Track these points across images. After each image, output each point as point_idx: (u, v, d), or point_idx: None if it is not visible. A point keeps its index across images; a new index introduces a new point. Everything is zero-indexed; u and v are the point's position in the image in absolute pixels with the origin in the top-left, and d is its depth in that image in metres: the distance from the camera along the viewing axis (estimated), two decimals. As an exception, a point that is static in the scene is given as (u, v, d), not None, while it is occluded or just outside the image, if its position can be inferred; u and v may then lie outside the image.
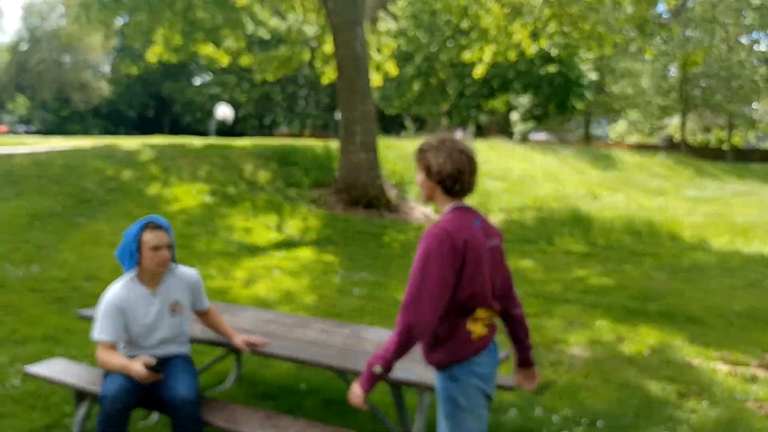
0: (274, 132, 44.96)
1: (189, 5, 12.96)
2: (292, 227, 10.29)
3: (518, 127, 36.27)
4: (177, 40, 13.35)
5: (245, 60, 15.62)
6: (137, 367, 3.01)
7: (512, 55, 17.40)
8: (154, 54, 14.54)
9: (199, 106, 42.71)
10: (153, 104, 46.54)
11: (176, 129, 43.43)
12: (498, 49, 16.71)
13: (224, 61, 15.66)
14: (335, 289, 7.19)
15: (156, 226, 3.26)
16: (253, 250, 8.70)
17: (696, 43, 34.41)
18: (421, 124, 46.68)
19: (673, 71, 42.08)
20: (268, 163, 13.53)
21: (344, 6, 12.16)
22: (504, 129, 40.84)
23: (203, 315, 3.58)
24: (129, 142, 14.40)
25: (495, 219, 13.14)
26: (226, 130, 37.64)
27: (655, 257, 9.92)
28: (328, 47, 15.83)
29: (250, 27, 14.81)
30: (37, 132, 30.22)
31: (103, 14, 11.48)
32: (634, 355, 5.21)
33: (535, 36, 17.83)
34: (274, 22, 16.79)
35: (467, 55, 17.17)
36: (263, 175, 12.78)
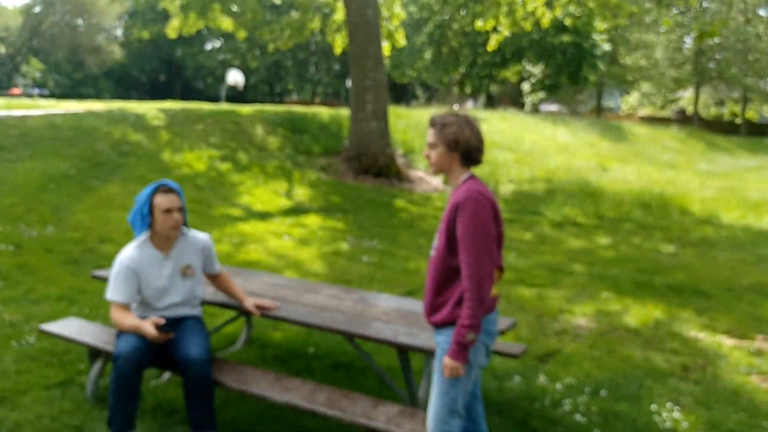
0: (285, 99, 44.78)
1: None
2: (302, 194, 10.33)
3: (529, 98, 35.94)
4: (192, 8, 13.19)
5: (261, 33, 15.48)
6: (148, 327, 3.07)
7: (527, 26, 17.18)
8: (173, 29, 14.42)
9: (210, 71, 42.59)
10: (164, 69, 46.43)
11: (187, 94, 43.36)
12: (512, 19, 16.48)
13: (241, 35, 15.53)
14: (344, 256, 7.24)
15: (168, 189, 3.28)
16: (263, 216, 8.75)
17: (712, 15, 33.75)
18: (431, 94, 46.34)
19: (688, 43, 41.41)
20: (279, 130, 13.51)
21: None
22: (515, 99, 40.46)
23: (215, 278, 3.64)
24: (141, 107, 14.38)
25: (504, 190, 13.13)
26: (236, 96, 37.53)
27: (665, 230, 9.90)
28: (340, 14, 15.66)
29: None
30: (51, 95, 30.20)
31: None
32: (639, 327, 5.25)
33: (549, 5, 17.56)
34: None
35: (480, 24, 16.93)
36: (273, 142, 12.78)
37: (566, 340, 4.90)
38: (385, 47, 15.94)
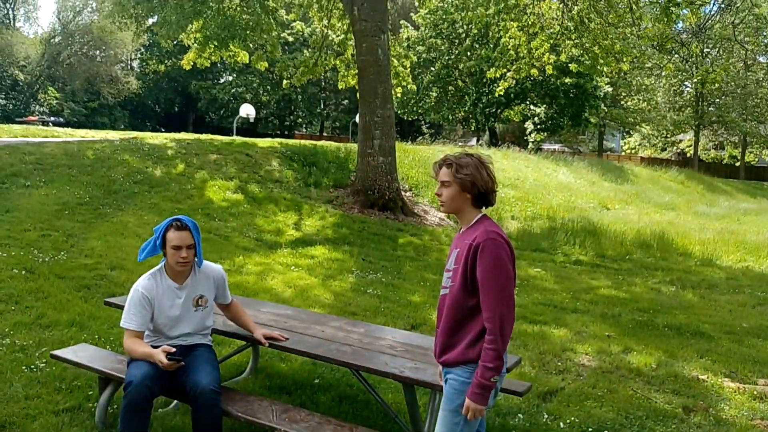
0: (294, 132, 45.40)
1: (228, 3, 13.17)
2: (310, 226, 10.46)
3: (532, 137, 36.33)
4: (212, 41, 13.54)
5: (280, 67, 15.87)
6: (160, 355, 3.15)
7: (534, 72, 17.60)
8: (188, 61, 14.77)
9: (222, 104, 43.37)
10: (179, 101, 47.33)
11: (200, 125, 44.08)
12: (519, 65, 16.90)
13: (262, 66, 15.91)
14: (350, 288, 7.33)
15: (180, 226, 3.37)
16: (272, 246, 8.87)
17: (713, 61, 34.36)
18: (436, 131, 46.86)
19: (689, 87, 42.02)
20: (289, 163, 13.74)
21: (370, 12, 12.34)
22: (518, 138, 40.87)
23: (226, 308, 3.75)
24: (156, 137, 14.67)
25: (508, 226, 13.25)
26: (247, 129, 38.06)
27: (666, 271, 9.98)
28: (351, 52, 16.05)
29: (276, 31, 15.00)
30: (66, 123, 30.65)
31: (140, 9, 11.67)
32: (641, 367, 5.31)
33: (554, 50, 17.99)
34: (300, 25, 17.04)
35: (490, 72, 17.39)
36: (285, 174, 12.98)
37: (569, 378, 4.96)
38: (397, 90, 16.36)
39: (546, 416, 4.18)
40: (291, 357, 4.85)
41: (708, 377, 5.13)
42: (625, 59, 16.86)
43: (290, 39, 30.33)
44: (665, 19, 9.02)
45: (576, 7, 15.55)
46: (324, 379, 4.57)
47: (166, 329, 3.44)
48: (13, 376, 4.15)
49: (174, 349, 3.19)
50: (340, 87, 17.00)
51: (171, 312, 3.42)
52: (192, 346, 3.49)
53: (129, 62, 47.02)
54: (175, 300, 3.43)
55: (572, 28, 15.68)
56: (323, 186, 13.01)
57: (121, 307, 4.20)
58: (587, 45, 16.13)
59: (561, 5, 15.99)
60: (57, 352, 3.87)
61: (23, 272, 6.12)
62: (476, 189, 2.57)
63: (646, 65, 34.36)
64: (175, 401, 3.95)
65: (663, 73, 37.12)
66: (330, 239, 9.96)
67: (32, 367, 4.32)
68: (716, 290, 8.84)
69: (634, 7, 15.41)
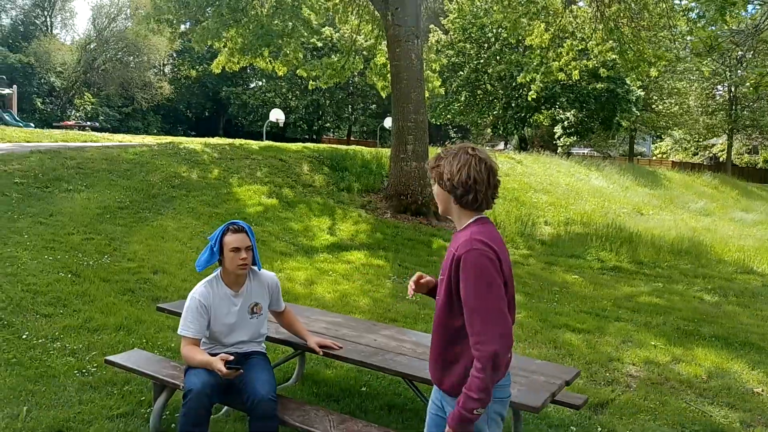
0: (322, 137, 45.69)
1: (263, 12, 13.28)
2: (344, 231, 10.47)
3: (561, 141, 35.97)
4: (243, 47, 13.67)
5: (302, 71, 15.95)
6: (219, 363, 3.12)
7: (562, 76, 17.47)
8: (218, 65, 14.91)
9: (252, 109, 43.83)
10: (209, 105, 47.94)
11: (229, 130, 44.67)
12: (547, 69, 16.80)
13: (282, 71, 15.99)
14: (388, 294, 7.31)
15: (237, 229, 3.38)
16: (308, 251, 8.90)
17: (747, 63, 33.72)
18: (464, 135, 46.69)
19: (720, 91, 41.31)
20: (322, 167, 13.78)
21: (404, 17, 12.33)
22: (547, 143, 40.51)
23: (279, 315, 3.74)
24: (192, 142, 14.84)
25: (541, 232, 13.12)
26: (276, 133, 38.41)
27: (705, 279, 9.79)
28: (381, 57, 16.07)
29: (305, 37, 15.08)
30: (101, 128, 31.28)
31: (177, 14, 11.80)
32: (691, 379, 5.19)
33: (584, 54, 17.85)
34: (329, 31, 17.12)
35: (520, 77, 17.35)
36: (317, 179, 13.03)
37: (618, 390, 4.87)
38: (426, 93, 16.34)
39: (599, 429, 4.10)
40: (336, 364, 4.84)
41: (763, 390, 4.99)
42: (659, 64, 16.64)
43: (319, 44, 30.39)
44: (720, 20, 8.78)
45: (609, 10, 15.39)
46: (371, 387, 4.55)
47: (222, 337, 3.44)
48: (66, 380, 4.21)
49: (232, 357, 3.18)
50: (383, 94, 16.95)
51: (227, 319, 3.42)
52: (247, 353, 3.49)
53: (161, 67, 47.81)
54: (231, 307, 3.42)
55: (604, 32, 15.51)
56: (355, 191, 13.02)
57: (173, 313, 4.25)
58: (620, 50, 15.95)
59: (594, 10, 15.84)
60: (111, 358, 3.90)
61: (69, 275, 6.22)
62: (446, 184, 2.20)
63: (678, 69, 33.92)
64: (225, 408, 3.96)
65: (696, 78, 36.63)
66: (365, 244, 9.95)
67: (84, 371, 4.37)
68: (759, 299, 8.63)
69: (669, 11, 15.23)
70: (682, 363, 5.59)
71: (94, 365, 4.48)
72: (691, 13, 15.57)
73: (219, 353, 3.31)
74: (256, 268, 3.53)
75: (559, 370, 3.49)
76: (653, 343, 6.17)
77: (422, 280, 2.64)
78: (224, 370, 3.10)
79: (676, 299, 8.34)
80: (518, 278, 8.89)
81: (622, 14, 15.12)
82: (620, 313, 7.33)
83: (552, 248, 11.69)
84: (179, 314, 4.17)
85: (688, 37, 16.04)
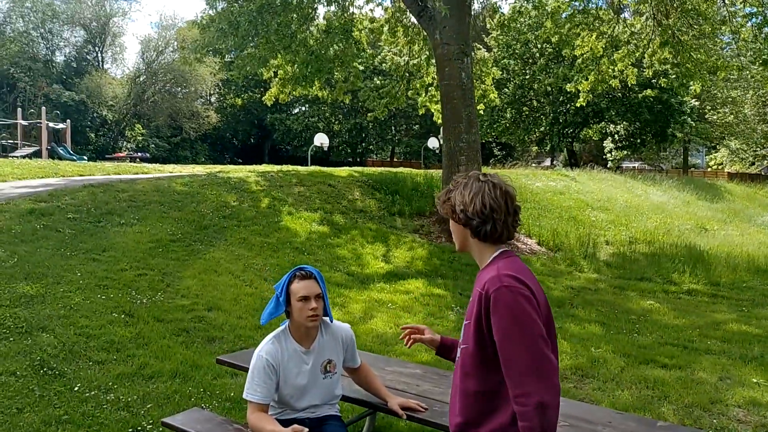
0: (365, 159, 45.69)
1: (313, 36, 13.15)
2: (399, 257, 10.07)
3: (611, 155, 34.99)
4: (296, 77, 13.53)
5: (364, 95, 15.78)
6: None
7: (615, 83, 16.86)
8: (270, 96, 14.82)
9: (296, 134, 44.25)
10: (255, 132, 48.64)
11: (274, 156, 45.10)
12: (599, 77, 16.24)
13: (346, 99, 15.88)
14: (454, 328, 6.84)
15: (305, 275, 2.93)
16: (363, 281, 8.51)
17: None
18: (509, 152, 46.00)
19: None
20: (372, 192, 13.46)
21: (453, 35, 11.99)
22: (596, 157, 39.50)
23: (354, 371, 3.26)
24: (240, 170, 14.77)
25: (603, 252, 12.45)
26: (320, 157, 38.54)
27: (794, 302, 8.99)
28: (430, 77, 15.75)
29: (357, 61, 14.89)
30: (152, 158, 31.94)
31: (227, 42, 11.70)
32: (812, 424, 4.56)
33: (639, 64, 17.20)
34: (389, 55, 16.98)
35: (569, 86, 16.84)
36: (368, 204, 12.70)
37: (732, 439, 4.28)
38: (479, 106, 15.94)
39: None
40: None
41: None
42: (720, 74, 15.90)
43: (360, 67, 30.44)
44: None
45: (666, 21, 14.77)
46: (451, 440, 4.08)
47: (293, 400, 2.98)
48: (123, 440, 3.88)
49: (307, 430, 2.71)
50: (420, 113, 16.71)
51: (298, 381, 2.95)
52: (321, 418, 3.03)
53: (208, 97, 48.79)
54: (302, 366, 2.96)
55: (662, 41, 14.87)
56: (407, 215, 12.63)
57: (234, 366, 3.88)
58: (679, 60, 15.28)
59: (650, 19, 15.23)
60: (169, 420, 3.50)
61: (122, 316, 5.97)
62: (459, 217, 1.98)
63: (732, 77, 32.68)
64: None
65: (751, 84, 35.22)
66: (421, 272, 9.52)
67: (139, 428, 4.02)
68: None
69: (731, 16, 14.52)
70: (796, 404, 4.94)
71: (150, 421, 4.13)
72: (754, 18, 14.83)
73: (288, 419, 2.91)
74: (327, 319, 3.07)
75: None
76: (755, 380, 5.52)
77: (427, 335, 2.49)
78: None
79: (767, 326, 7.61)
80: (590, 305, 8.31)
81: (680, 23, 14.49)
82: (710, 345, 6.68)
83: (619, 270, 11.02)
84: (239, 367, 3.82)
85: (751, 45, 15.29)
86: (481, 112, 19.64)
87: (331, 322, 3.10)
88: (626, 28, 15.65)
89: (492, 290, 1.84)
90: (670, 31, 14.69)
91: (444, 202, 2.07)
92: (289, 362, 2.94)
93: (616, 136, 33.58)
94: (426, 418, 3.05)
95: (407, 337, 2.57)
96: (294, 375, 2.95)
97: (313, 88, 14.36)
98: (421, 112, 16.78)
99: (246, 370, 3.77)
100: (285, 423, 2.83)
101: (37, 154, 27.22)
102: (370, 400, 3.25)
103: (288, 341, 2.97)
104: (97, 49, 47.64)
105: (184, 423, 3.37)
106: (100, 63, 47.68)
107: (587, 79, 16.25)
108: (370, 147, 47.73)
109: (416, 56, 15.94)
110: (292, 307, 2.91)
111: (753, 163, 48.74)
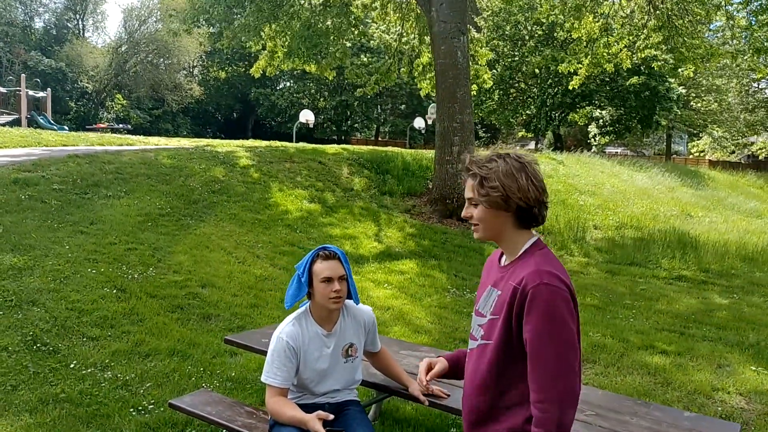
0: (350, 138, 45.28)
1: (306, 8, 12.82)
2: (391, 237, 9.96)
3: (596, 140, 35.09)
4: (290, 51, 13.20)
5: (350, 73, 15.49)
6: (317, 425, 2.55)
7: (610, 67, 16.80)
8: (257, 69, 14.46)
9: (281, 110, 43.60)
10: (239, 107, 47.85)
11: (258, 131, 44.46)
12: (594, 60, 16.15)
13: (330, 75, 15.56)
14: (451, 310, 6.77)
15: (329, 255, 2.78)
16: (357, 260, 8.38)
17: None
18: (494, 134, 45.92)
19: (763, 86, 39.95)
20: (362, 170, 13.28)
21: (449, 13, 11.78)
22: (580, 141, 39.58)
23: (374, 356, 3.14)
24: (228, 144, 14.48)
25: (593, 237, 12.45)
26: (305, 134, 38.06)
27: (782, 289, 9.07)
28: (425, 57, 15.52)
29: (349, 37, 14.61)
30: (133, 130, 31.29)
31: (216, 12, 11.34)
32: (814, 413, 4.56)
33: (633, 47, 17.11)
34: (377, 32, 16.67)
35: (563, 66, 16.72)
36: (358, 182, 12.53)
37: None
38: (472, 87, 15.76)
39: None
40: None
41: None
42: (713, 61, 15.90)
43: (348, 44, 30.02)
44: None
45: (663, 6, 14.67)
46: (459, 427, 4.01)
47: (312, 385, 2.85)
48: (122, 420, 3.73)
49: (332, 416, 2.60)
50: (422, 94, 16.47)
51: (318, 364, 2.83)
52: (341, 403, 2.92)
53: (191, 69, 47.85)
54: (323, 350, 2.83)
55: (656, 25, 14.81)
56: (398, 194, 12.50)
57: (242, 347, 3.75)
58: (672, 46, 15.23)
59: (646, 4, 15.12)
60: (176, 402, 3.36)
61: (114, 291, 5.79)
62: (513, 204, 1.81)
63: (718, 65, 32.86)
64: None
65: (735, 73, 35.45)
66: (414, 252, 9.42)
67: (140, 408, 3.89)
68: None
69: (726, 2, 14.47)
70: (796, 392, 4.95)
71: (151, 401, 4.00)
72: (749, 5, 14.78)
73: (308, 404, 2.80)
74: (351, 302, 2.94)
75: (722, 428, 2.88)
76: (753, 368, 5.53)
77: (438, 368, 2.35)
78: (321, 431, 2.54)
79: (760, 313, 7.66)
80: (584, 289, 8.29)
81: (677, 8, 14.40)
82: (705, 331, 6.69)
83: (609, 255, 11.04)
84: (249, 347, 3.69)
85: (744, 33, 15.28)
86: (491, 84, 19.42)
87: (357, 304, 2.97)
88: (621, 10, 15.54)
89: (531, 286, 1.73)
90: (665, 16, 14.61)
91: (482, 184, 1.83)
92: (309, 345, 2.81)
93: (601, 121, 33.65)
94: (447, 405, 2.96)
95: (427, 388, 2.80)
96: (314, 359, 2.82)
97: (311, 64, 14.05)
98: (423, 93, 16.55)
99: (253, 350, 3.66)
100: (304, 408, 2.72)
101: (16, 123, 26.48)
102: (388, 385, 3.15)
103: (309, 323, 2.83)
104: (77, 16, 46.38)
105: (192, 405, 3.24)
106: (81, 31, 46.47)
107: (581, 63, 16.15)
108: (355, 125, 47.29)
109: (408, 33, 15.68)
110: (314, 288, 2.77)
111: (733, 152, 49.32)
